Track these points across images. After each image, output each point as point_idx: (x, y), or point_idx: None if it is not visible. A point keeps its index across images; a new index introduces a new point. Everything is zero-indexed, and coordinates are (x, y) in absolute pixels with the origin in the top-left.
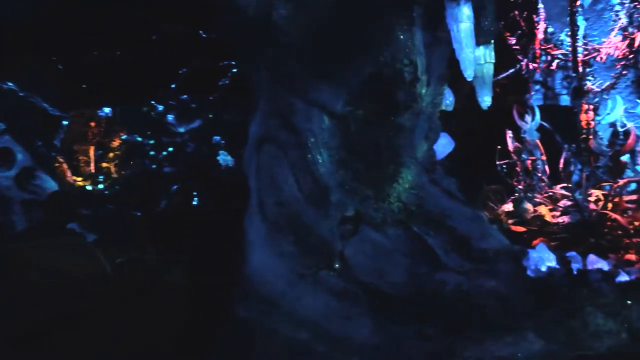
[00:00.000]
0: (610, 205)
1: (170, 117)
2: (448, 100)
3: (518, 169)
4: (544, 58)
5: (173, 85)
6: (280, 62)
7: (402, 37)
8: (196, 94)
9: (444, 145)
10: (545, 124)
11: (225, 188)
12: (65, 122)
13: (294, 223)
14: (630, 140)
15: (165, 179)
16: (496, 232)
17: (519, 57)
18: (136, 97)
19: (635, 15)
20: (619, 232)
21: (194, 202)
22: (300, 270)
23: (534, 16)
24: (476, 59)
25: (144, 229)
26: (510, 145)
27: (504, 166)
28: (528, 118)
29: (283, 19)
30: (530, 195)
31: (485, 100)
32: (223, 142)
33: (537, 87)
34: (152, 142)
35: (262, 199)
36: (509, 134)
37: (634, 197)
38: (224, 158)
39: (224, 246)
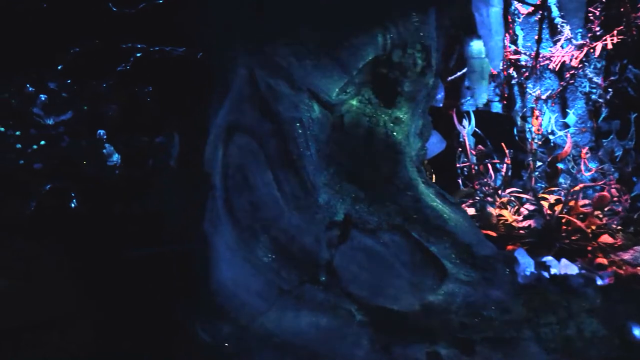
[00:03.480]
0: (565, 210)
1: (38, 106)
2: (439, 95)
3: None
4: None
5: (60, 67)
6: (262, 38)
7: (416, 18)
8: (83, 79)
9: (434, 144)
10: (477, 130)
11: (112, 188)
12: None
13: (272, 229)
14: (567, 147)
15: (37, 176)
16: (484, 237)
17: None
18: (4, 77)
19: (583, 28)
20: (579, 235)
21: (72, 204)
22: (280, 285)
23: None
24: (480, 51)
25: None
26: (471, 148)
27: (465, 169)
28: (465, 123)
29: None
30: (490, 199)
31: (483, 97)
32: (105, 136)
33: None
34: (18, 133)
35: (231, 199)
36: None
37: (587, 201)
38: (110, 153)
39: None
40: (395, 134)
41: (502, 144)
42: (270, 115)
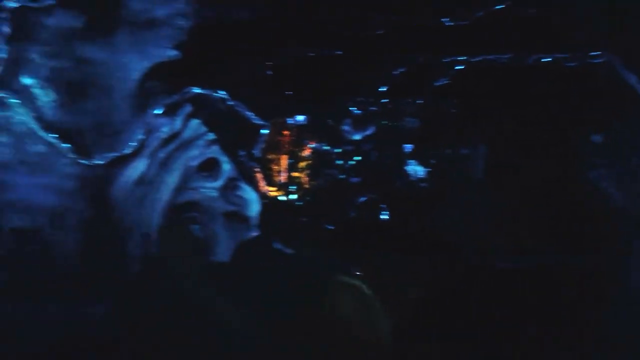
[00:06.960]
0: None
1: (347, 123)
2: None
3: None
4: None
5: (383, 89)
6: None
7: None
8: (402, 97)
9: None
10: None
11: (419, 201)
12: (264, 131)
13: None
14: None
15: (353, 190)
16: None
17: None
18: (334, 103)
19: None
20: None
21: (382, 216)
22: None
23: None
24: None
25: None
26: None
27: None
28: None
29: None
30: None
31: None
32: (410, 151)
33: None
34: (339, 150)
35: None
36: None
37: None
38: (414, 168)
39: None
40: None
41: None
42: None
